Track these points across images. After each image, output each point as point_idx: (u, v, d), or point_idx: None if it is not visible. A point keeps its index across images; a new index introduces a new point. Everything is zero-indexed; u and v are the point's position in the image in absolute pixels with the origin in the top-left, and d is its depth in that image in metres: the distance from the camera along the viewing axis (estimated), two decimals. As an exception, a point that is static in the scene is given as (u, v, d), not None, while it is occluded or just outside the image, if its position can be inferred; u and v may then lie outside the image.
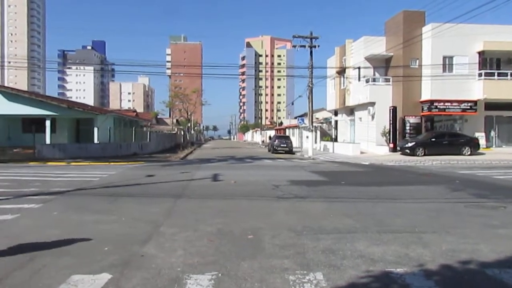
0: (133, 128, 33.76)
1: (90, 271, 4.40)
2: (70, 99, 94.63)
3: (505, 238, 5.92)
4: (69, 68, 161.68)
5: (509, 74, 28.14)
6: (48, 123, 26.06)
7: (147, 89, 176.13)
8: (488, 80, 27.74)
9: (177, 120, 69.30)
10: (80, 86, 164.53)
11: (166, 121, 73.08)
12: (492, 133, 29.75)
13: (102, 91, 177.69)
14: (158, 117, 75.36)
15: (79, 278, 4.19)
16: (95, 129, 27.33)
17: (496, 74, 28.22)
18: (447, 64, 28.28)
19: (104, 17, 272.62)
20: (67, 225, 6.78)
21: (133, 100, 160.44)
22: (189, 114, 61.52)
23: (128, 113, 43.82)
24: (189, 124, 67.35)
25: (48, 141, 25.86)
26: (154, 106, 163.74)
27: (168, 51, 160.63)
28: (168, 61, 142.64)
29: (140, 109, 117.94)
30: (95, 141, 27.15)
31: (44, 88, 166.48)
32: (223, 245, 5.48)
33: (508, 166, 19.70)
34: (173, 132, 57.79)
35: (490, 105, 28.73)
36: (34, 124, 25.90)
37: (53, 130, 26.77)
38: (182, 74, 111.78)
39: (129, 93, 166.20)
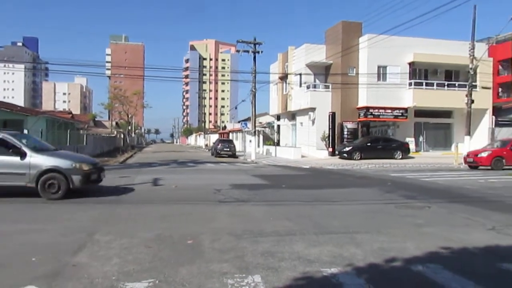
0: (68, 131, 32.01)
1: (14, 284, 4.11)
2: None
3: (429, 235, 6.39)
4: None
5: (435, 84, 30.48)
6: (-31, 124, 23.90)
7: (84, 90, 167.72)
8: (417, 89, 29.83)
9: (116, 123, 66.77)
10: (9, 85, 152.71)
11: (105, 123, 70.06)
12: (421, 138, 31.99)
13: (34, 91, 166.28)
14: (96, 119, 72.02)
15: (1, 292, 3.90)
16: (25, 132, 25.50)
17: (424, 84, 30.44)
18: (381, 73, 30.03)
19: (38, 12, 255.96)
20: (-10, 235, 6.27)
21: (69, 101, 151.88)
22: (129, 116, 59.48)
23: (63, 115, 41.37)
24: (129, 127, 65.13)
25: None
26: (92, 108, 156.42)
27: (108, 51, 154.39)
28: (107, 62, 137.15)
29: (76, 110, 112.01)
30: (25, 144, 25.33)
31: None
32: (161, 251, 5.37)
33: (433, 169, 21.26)
34: (112, 135, 55.62)
35: (419, 113, 30.93)
36: (-47, 126, 23.59)
37: (-25, 132, 24.58)
38: (122, 75, 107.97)
39: (64, 94, 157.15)
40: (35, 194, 9.70)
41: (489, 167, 20.09)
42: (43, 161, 9.82)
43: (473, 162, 20.91)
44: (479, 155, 20.82)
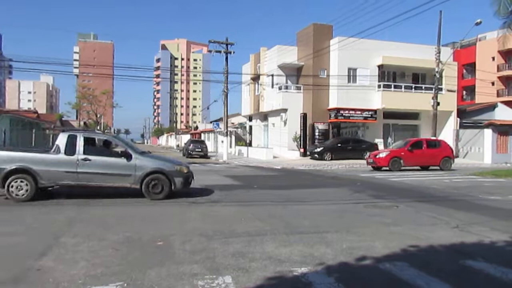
0: (33, 131, 30.91)
1: (-27, 291, 3.93)
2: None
3: (396, 234, 6.56)
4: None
5: (403, 86, 31.34)
6: None
7: (51, 88, 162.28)
8: (386, 91, 30.57)
9: (84, 123, 65.12)
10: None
11: (72, 123, 68.13)
12: (389, 140, 32.75)
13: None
14: (64, 119, 69.97)
15: (-42, 300, 3.71)
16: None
17: (392, 86, 31.22)
18: (352, 75, 30.60)
19: (2, 7, 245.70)
20: None
21: (35, 100, 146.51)
22: (98, 116, 58.17)
23: (28, 114, 39.91)
24: (98, 127, 63.61)
25: None
26: (59, 107, 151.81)
27: (76, 49, 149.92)
28: (75, 60, 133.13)
29: (42, 110, 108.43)
30: (-13, 144, 24.25)
31: None
32: (130, 254, 5.26)
33: (401, 170, 21.80)
34: (80, 135, 54.10)
35: (388, 114, 31.71)
36: None
37: None
38: (91, 74, 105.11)
39: (29, 93, 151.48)
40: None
41: (387, 168, 19.97)
42: (147, 163, 10.09)
43: (373, 162, 20.93)
44: (378, 156, 20.80)
